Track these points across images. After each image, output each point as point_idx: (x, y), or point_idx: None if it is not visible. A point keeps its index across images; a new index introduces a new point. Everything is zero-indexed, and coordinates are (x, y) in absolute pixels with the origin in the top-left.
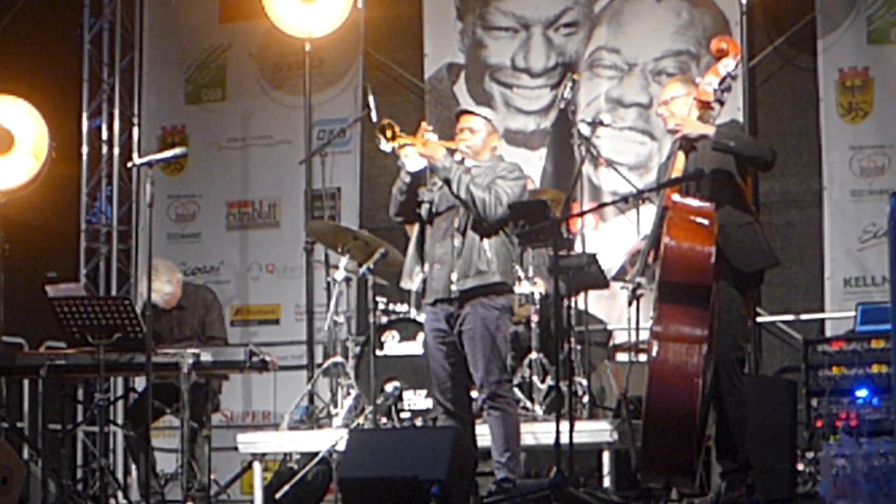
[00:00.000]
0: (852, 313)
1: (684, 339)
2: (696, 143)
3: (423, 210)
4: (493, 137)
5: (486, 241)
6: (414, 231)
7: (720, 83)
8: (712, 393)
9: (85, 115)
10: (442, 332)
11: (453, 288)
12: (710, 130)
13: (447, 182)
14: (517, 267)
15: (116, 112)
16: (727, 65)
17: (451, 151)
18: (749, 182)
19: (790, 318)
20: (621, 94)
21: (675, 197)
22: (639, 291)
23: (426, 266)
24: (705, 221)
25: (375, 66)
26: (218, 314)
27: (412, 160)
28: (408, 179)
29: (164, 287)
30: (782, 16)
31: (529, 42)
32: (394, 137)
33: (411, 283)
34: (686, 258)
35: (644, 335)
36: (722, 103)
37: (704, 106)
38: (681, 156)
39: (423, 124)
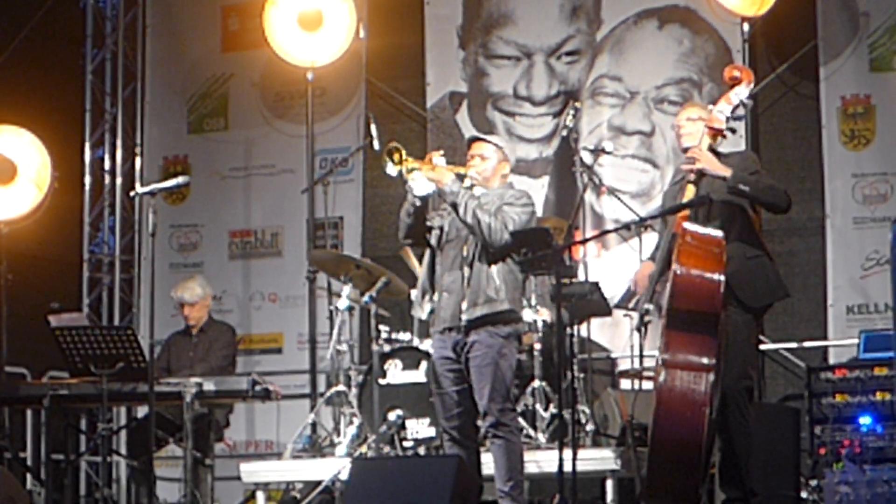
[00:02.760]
0: (855, 341)
1: (692, 367)
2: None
3: (433, 236)
4: (504, 165)
5: (494, 269)
6: (425, 258)
7: (732, 111)
8: (718, 420)
9: (87, 145)
10: (449, 360)
11: (463, 317)
12: (727, 173)
13: (454, 206)
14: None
15: (119, 142)
16: (740, 93)
17: (461, 177)
18: (760, 214)
19: (793, 345)
20: (623, 122)
21: (686, 225)
22: (646, 318)
23: (435, 294)
24: (715, 250)
25: (377, 95)
26: (225, 343)
27: (419, 184)
28: (416, 203)
29: (196, 288)
30: (784, 43)
31: (531, 70)
32: (401, 161)
33: (422, 311)
34: (695, 286)
35: (649, 362)
36: (733, 131)
37: (716, 133)
38: (690, 189)
39: (433, 151)
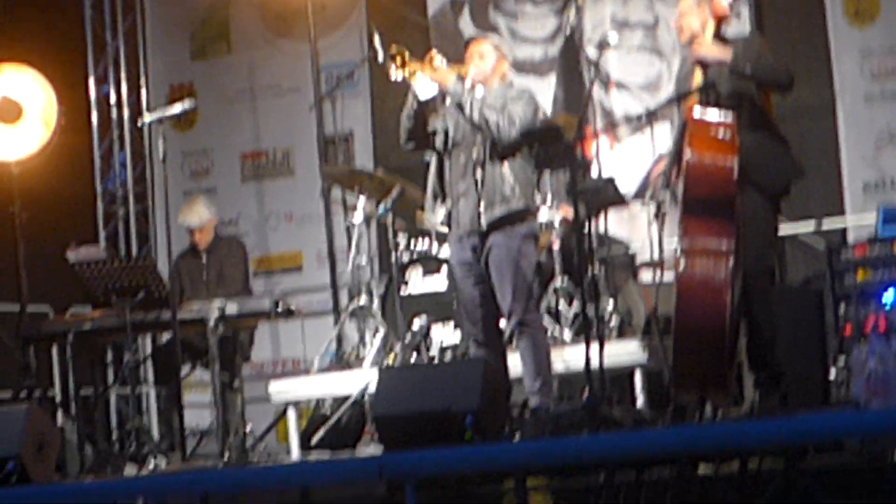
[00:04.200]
0: (873, 217)
1: (711, 252)
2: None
3: (438, 141)
4: (503, 63)
5: (506, 168)
6: (432, 165)
7: None
8: (742, 305)
9: (91, 80)
10: (469, 264)
11: (482, 220)
12: (726, 55)
13: (460, 107)
14: (536, 194)
15: (123, 74)
16: None
17: (462, 78)
18: (770, 98)
19: (811, 227)
20: (626, 14)
21: (696, 111)
22: (663, 208)
23: (448, 201)
24: (726, 133)
25: (378, 7)
26: (240, 263)
27: (423, 88)
28: (415, 105)
29: (202, 210)
30: None
31: None
32: (403, 65)
33: (434, 216)
34: (708, 171)
35: (668, 252)
36: (738, 15)
37: (722, 20)
38: (698, 73)
39: (433, 51)
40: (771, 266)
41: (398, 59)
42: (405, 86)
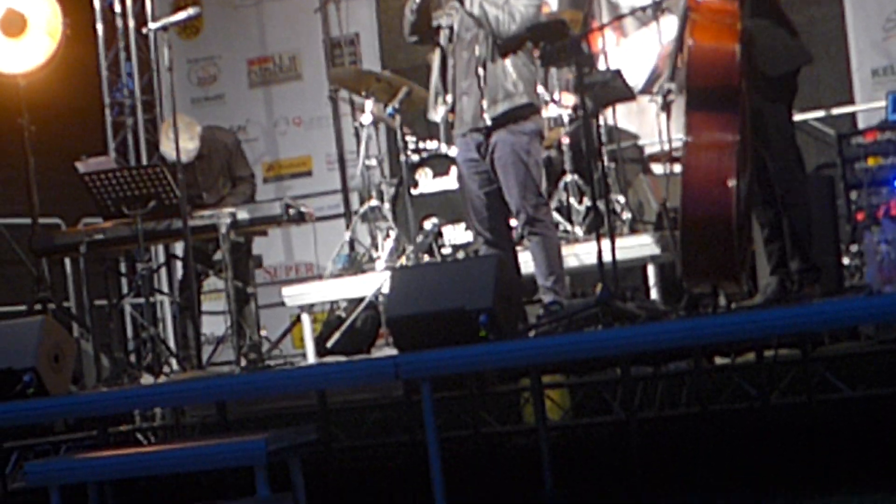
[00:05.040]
0: (883, 103)
1: (715, 143)
2: None
3: (443, 37)
4: None
5: (509, 64)
6: (435, 61)
7: None
8: (754, 197)
9: None
10: (474, 162)
11: (486, 116)
12: None
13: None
14: (543, 89)
15: None
16: None
17: None
18: None
19: (821, 113)
20: None
21: None
22: (669, 98)
23: (452, 99)
24: (728, 20)
25: None
26: (241, 154)
27: None
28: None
29: (187, 144)
30: None
31: None
32: None
33: (436, 113)
34: (710, 60)
35: (677, 143)
36: None
37: None
38: None
39: None
40: (799, 155)
41: None
42: None
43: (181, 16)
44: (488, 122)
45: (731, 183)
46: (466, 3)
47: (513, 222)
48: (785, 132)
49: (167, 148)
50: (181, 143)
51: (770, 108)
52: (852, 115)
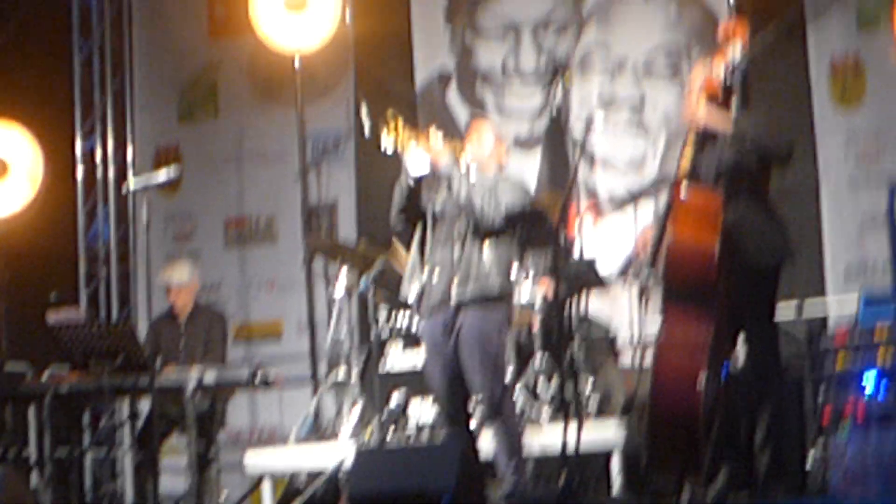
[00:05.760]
0: (855, 301)
1: (688, 341)
2: (712, 138)
3: (429, 215)
4: (501, 148)
5: (486, 248)
6: (416, 236)
7: (728, 69)
8: (719, 393)
9: (78, 137)
10: (440, 340)
11: (453, 295)
12: (727, 124)
13: (449, 185)
14: (518, 273)
15: (110, 133)
16: (735, 49)
17: (456, 157)
18: (767, 173)
19: (793, 308)
20: (613, 92)
21: (682, 191)
22: (646, 291)
23: (424, 273)
24: (711, 216)
25: (366, 77)
26: (221, 335)
27: (415, 163)
28: (410, 182)
29: (184, 272)
30: (770, 5)
31: (519, 45)
32: (396, 132)
33: (409, 289)
34: (688, 256)
35: (649, 334)
36: (731, 91)
37: (713, 92)
38: (689, 151)
39: (432, 127)
40: (777, 351)
41: (392, 124)
42: (391, 158)
43: (161, 177)
44: (454, 301)
45: (701, 382)
46: (454, 189)
47: (473, 404)
48: (765, 328)
49: (166, 274)
50: (179, 269)
51: (753, 301)
52: (824, 311)
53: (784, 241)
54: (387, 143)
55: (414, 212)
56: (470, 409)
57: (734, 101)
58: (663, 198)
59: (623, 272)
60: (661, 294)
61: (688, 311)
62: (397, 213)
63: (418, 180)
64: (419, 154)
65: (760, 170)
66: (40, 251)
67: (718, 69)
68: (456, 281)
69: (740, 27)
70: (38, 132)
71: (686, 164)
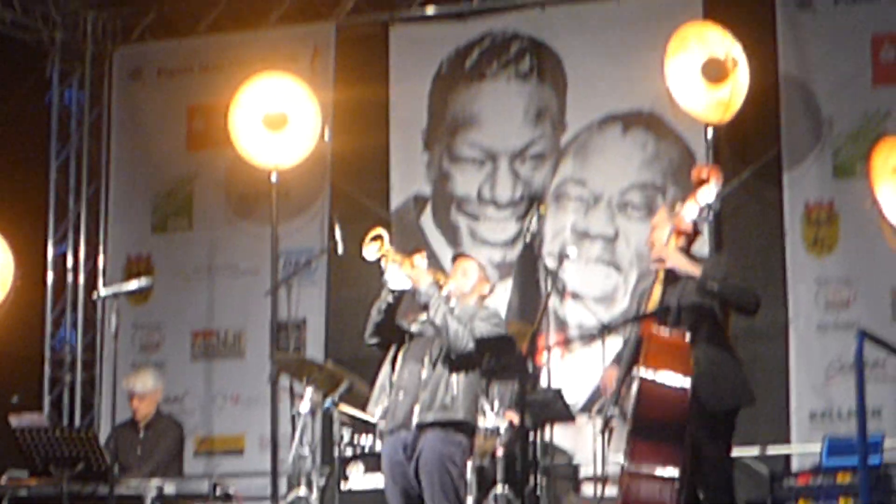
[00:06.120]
0: (818, 446)
1: (657, 477)
2: (679, 278)
3: (405, 335)
4: (484, 285)
5: (453, 378)
6: (388, 356)
7: (700, 212)
8: None
9: (50, 242)
10: (399, 462)
11: (414, 419)
12: (696, 271)
13: (426, 306)
14: (483, 401)
15: (82, 239)
16: (708, 192)
17: (438, 285)
18: (729, 317)
19: (756, 451)
20: (587, 226)
21: (652, 329)
22: (611, 423)
23: (392, 392)
24: (681, 355)
25: (342, 197)
26: (171, 443)
27: (395, 279)
28: (390, 299)
29: (147, 380)
30: (748, 149)
31: (496, 173)
32: (381, 250)
33: (375, 408)
34: (661, 394)
35: (613, 468)
36: (699, 233)
37: (682, 234)
38: (658, 288)
39: (421, 253)
40: (732, 495)
41: (378, 242)
42: (363, 277)
43: (132, 285)
44: (416, 424)
45: None
46: (431, 311)
47: None
48: (723, 472)
49: (129, 381)
50: (143, 377)
51: (710, 444)
52: (787, 456)
53: (742, 384)
54: (371, 253)
55: (389, 328)
56: None
57: (702, 241)
58: (631, 333)
59: (588, 406)
60: (629, 429)
61: (658, 449)
62: (371, 333)
63: (397, 295)
64: (401, 272)
65: (723, 312)
66: (5, 353)
67: (690, 211)
68: (420, 404)
69: (713, 171)
70: (10, 234)
71: (654, 301)
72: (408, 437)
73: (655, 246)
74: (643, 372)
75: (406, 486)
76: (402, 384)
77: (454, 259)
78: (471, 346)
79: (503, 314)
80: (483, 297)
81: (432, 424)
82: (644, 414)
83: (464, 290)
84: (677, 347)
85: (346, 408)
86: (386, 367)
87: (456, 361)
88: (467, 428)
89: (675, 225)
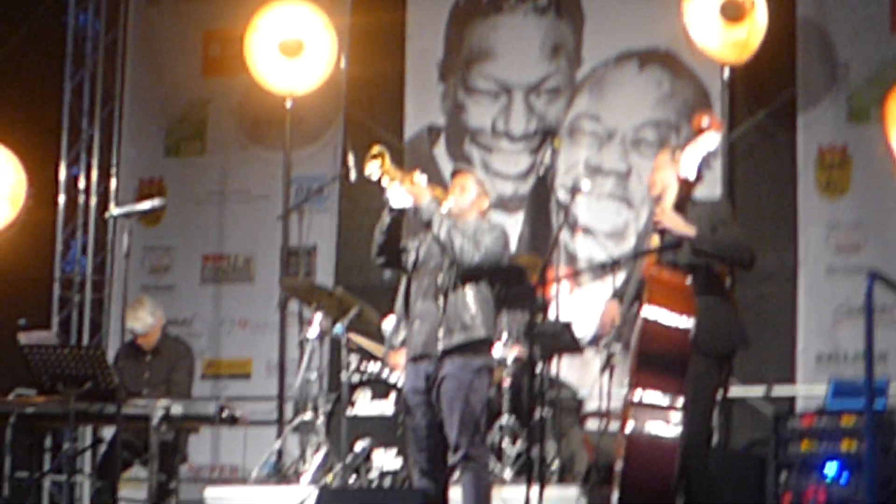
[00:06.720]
0: (824, 388)
1: (662, 409)
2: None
3: (410, 261)
4: (484, 200)
5: (469, 296)
6: (400, 286)
7: (700, 160)
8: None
9: (63, 164)
10: (421, 392)
11: (439, 345)
12: (690, 233)
13: (428, 223)
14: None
15: (95, 161)
16: (708, 141)
17: (438, 201)
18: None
19: (761, 391)
20: (600, 161)
21: (654, 269)
22: (612, 360)
23: (409, 322)
24: (684, 294)
25: (356, 125)
26: (187, 365)
27: (397, 196)
28: (388, 219)
29: (146, 317)
30: (763, 90)
31: (510, 106)
32: (383, 167)
33: (396, 339)
34: (665, 330)
35: (615, 403)
36: (700, 179)
37: (684, 182)
38: (656, 238)
39: (417, 171)
40: (709, 432)
41: (380, 160)
42: (374, 205)
43: (146, 205)
44: (439, 352)
45: (675, 450)
46: (434, 227)
47: (449, 455)
48: (703, 405)
49: (129, 321)
50: (142, 314)
51: (696, 380)
52: (792, 397)
53: (738, 328)
54: (372, 170)
55: (393, 248)
56: (444, 460)
57: (714, 181)
58: (633, 271)
59: (594, 341)
60: (633, 363)
61: (662, 381)
62: (377, 253)
63: (399, 213)
64: (402, 189)
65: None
66: (15, 271)
67: (690, 158)
68: (442, 331)
69: (714, 122)
70: (23, 155)
71: (654, 245)
72: (429, 366)
73: (656, 186)
74: (646, 311)
75: (426, 413)
76: (418, 313)
77: (453, 175)
78: (477, 258)
79: (514, 247)
80: (483, 212)
81: (455, 350)
82: (647, 349)
83: (463, 206)
84: (679, 289)
85: (357, 337)
86: (399, 299)
87: (465, 275)
88: (488, 347)
89: (675, 172)
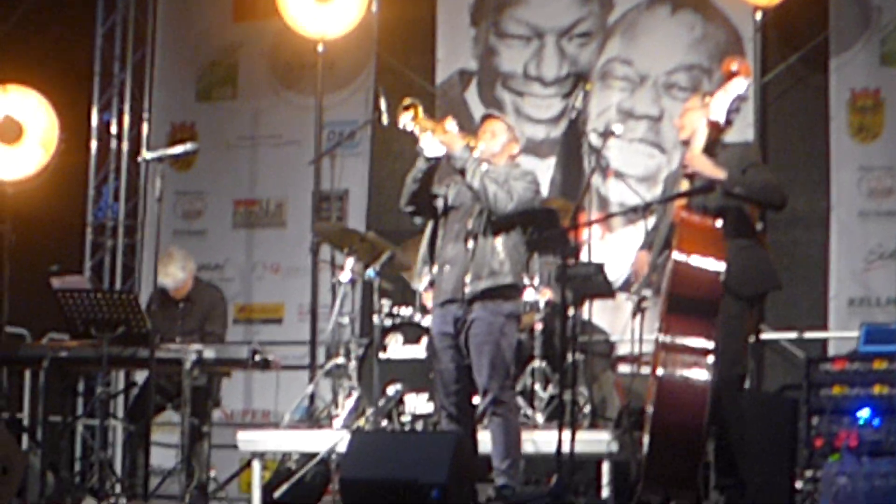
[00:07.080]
0: (856, 333)
1: (694, 352)
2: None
3: (439, 205)
4: (513, 145)
5: (499, 242)
6: (427, 230)
7: (730, 104)
8: (712, 408)
9: (95, 109)
10: (449, 335)
11: (466, 290)
12: (720, 175)
13: (462, 171)
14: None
15: (126, 106)
16: (737, 86)
17: (470, 148)
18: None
19: (793, 335)
20: (632, 105)
21: (684, 213)
22: (643, 304)
23: (435, 266)
24: (714, 238)
25: (387, 70)
26: (221, 313)
27: (430, 146)
28: (424, 166)
29: (177, 273)
30: (796, 34)
31: (542, 51)
32: (416, 118)
33: (420, 282)
34: (696, 273)
35: (647, 347)
36: (730, 123)
37: (713, 126)
38: (685, 183)
39: (449, 118)
40: (742, 373)
41: (412, 110)
42: (406, 150)
43: (178, 150)
44: (468, 296)
45: (706, 393)
46: (468, 175)
47: (477, 399)
48: (735, 347)
49: (160, 276)
50: (173, 269)
51: (727, 322)
52: (824, 341)
53: (769, 270)
54: (405, 121)
55: (424, 196)
56: (472, 404)
57: (746, 125)
58: (662, 218)
59: (625, 286)
60: (663, 307)
61: (694, 324)
62: (407, 202)
63: (432, 161)
64: (434, 138)
65: (750, 208)
66: (48, 217)
67: (720, 102)
68: (469, 276)
69: (744, 67)
70: (55, 100)
71: (685, 189)
72: (458, 310)
73: (685, 129)
74: (677, 255)
75: (454, 357)
76: (447, 258)
77: (482, 120)
78: (510, 206)
79: (546, 191)
80: (513, 157)
81: (483, 295)
82: (678, 292)
83: (494, 151)
84: (710, 232)
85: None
86: (425, 242)
87: (497, 223)
88: (516, 293)
89: (706, 116)
